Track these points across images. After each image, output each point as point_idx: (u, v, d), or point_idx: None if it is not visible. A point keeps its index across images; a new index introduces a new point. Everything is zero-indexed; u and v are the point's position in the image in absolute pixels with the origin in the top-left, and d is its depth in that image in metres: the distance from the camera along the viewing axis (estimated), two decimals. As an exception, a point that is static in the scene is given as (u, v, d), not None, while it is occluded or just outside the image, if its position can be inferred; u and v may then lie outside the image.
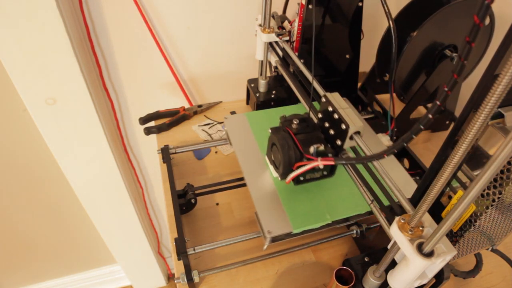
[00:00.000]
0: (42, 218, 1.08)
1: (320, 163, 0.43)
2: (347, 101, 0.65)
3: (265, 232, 0.47)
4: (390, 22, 0.59)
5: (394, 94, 0.78)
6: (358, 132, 0.45)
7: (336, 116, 0.46)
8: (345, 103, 0.47)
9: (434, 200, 0.31)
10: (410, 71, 0.69)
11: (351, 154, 0.48)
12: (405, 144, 0.34)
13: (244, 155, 0.59)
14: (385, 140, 0.67)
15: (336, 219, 0.51)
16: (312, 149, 0.45)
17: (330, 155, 0.46)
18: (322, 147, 0.46)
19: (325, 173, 0.50)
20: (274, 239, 0.48)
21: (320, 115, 0.50)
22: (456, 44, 0.67)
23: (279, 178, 0.49)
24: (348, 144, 0.45)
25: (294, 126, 0.49)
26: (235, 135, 0.63)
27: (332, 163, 0.43)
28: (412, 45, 0.64)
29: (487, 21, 0.67)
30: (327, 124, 0.49)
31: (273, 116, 0.68)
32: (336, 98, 0.48)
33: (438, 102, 0.27)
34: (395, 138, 0.73)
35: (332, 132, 0.47)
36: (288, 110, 0.71)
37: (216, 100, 0.88)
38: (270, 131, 0.50)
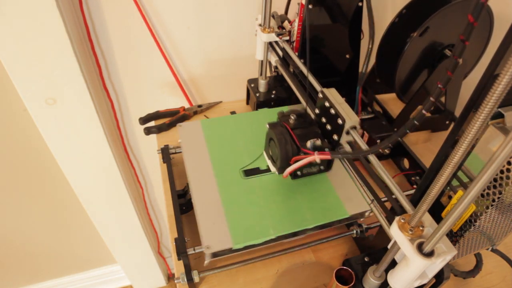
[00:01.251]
0: (42, 218, 1.08)
1: (317, 157, 0.43)
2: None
3: (204, 247, 0.46)
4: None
5: (393, 94, 0.78)
6: (354, 127, 0.45)
7: (332, 111, 0.46)
8: (341, 98, 0.47)
9: (434, 200, 0.31)
10: (410, 71, 0.69)
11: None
12: (399, 139, 0.34)
13: (192, 165, 0.58)
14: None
15: (281, 234, 0.49)
16: (309, 144, 0.46)
17: (327, 149, 0.46)
18: (319, 142, 0.46)
19: (322, 167, 0.50)
20: (214, 255, 0.47)
21: (317, 111, 0.50)
22: (456, 43, 0.67)
23: (277, 172, 0.49)
24: (344, 138, 0.46)
25: (291, 121, 0.49)
26: (187, 143, 0.62)
27: (329, 157, 0.44)
28: (413, 45, 0.64)
29: (486, 20, 0.67)
30: (324, 119, 0.49)
31: (231, 123, 0.67)
32: (332, 94, 0.48)
33: (432, 99, 0.27)
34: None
35: (329, 127, 0.48)
36: (246, 116, 0.70)
37: (216, 100, 0.88)
38: (267, 126, 0.50)
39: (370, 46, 0.59)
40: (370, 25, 0.58)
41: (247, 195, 0.54)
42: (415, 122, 0.31)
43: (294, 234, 0.51)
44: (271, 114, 0.70)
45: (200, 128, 0.65)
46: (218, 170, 0.57)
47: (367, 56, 0.61)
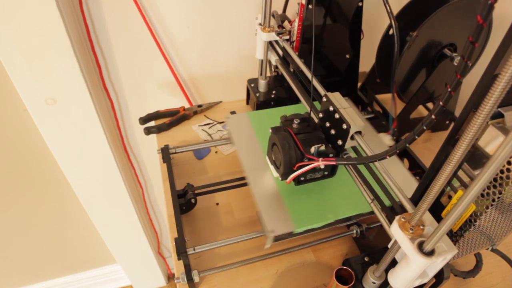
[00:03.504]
0: (42, 218, 1.08)
1: (321, 163, 0.43)
2: (349, 101, 0.65)
3: (268, 231, 0.47)
4: (393, 21, 0.59)
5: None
6: (359, 132, 0.45)
7: (337, 115, 0.46)
8: (346, 102, 0.47)
9: (435, 200, 0.31)
10: (409, 71, 0.69)
11: (352, 154, 0.48)
12: (407, 145, 0.34)
13: (246, 155, 0.59)
14: (387, 140, 0.67)
15: (338, 218, 0.51)
16: (313, 149, 0.45)
17: (331, 155, 0.46)
18: (323, 147, 0.46)
19: (326, 173, 0.50)
20: (277, 238, 0.48)
21: (321, 115, 0.50)
22: (454, 42, 0.67)
23: (280, 178, 0.49)
24: (349, 144, 0.45)
25: (294, 126, 0.48)
26: (237, 134, 0.63)
27: (333, 163, 0.43)
28: (412, 45, 0.64)
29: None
30: (328, 124, 0.48)
31: (275, 115, 0.68)
32: (337, 98, 0.48)
33: (441, 103, 0.27)
34: (395, 138, 0.73)
35: (333, 132, 0.47)
36: (289, 110, 0.71)
37: (216, 100, 0.89)
38: (270, 130, 0.50)
39: (394, 32, 0.58)
40: (388, 12, 0.58)
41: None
42: (424, 127, 0.31)
43: (348, 219, 0.52)
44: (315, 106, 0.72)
45: (248, 120, 0.67)
46: None
47: (397, 43, 0.59)
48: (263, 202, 0.52)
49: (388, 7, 0.58)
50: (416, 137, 0.33)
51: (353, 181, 0.51)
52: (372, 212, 0.53)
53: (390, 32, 0.63)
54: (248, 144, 0.62)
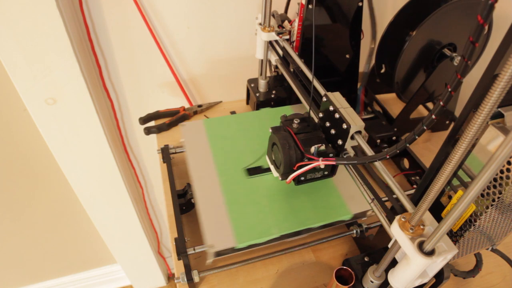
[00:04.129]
0: (42, 218, 1.08)
1: (321, 163, 0.43)
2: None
3: (208, 246, 0.46)
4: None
5: (393, 94, 0.78)
6: (359, 132, 0.45)
7: (337, 115, 0.46)
8: (346, 102, 0.47)
9: (435, 200, 0.31)
10: (408, 70, 0.69)
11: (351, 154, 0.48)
12: (407, 145, 0.34)
13: (195, 164, 0.58)
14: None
15: (284, 233, 0.49)
16: (313, 149, 0.45)
17: (331, 155, 0.46)
18: (323, 147, 0.46)
19: (325, 173, 0.50)
20: (218, 254, 0.47)
21: (321, 115, 0.50)
22: (454, 42, 0.67)
23: (280, 178, 0.49)
24: (349, 143, 0.45)
25: (294, 125, 0.48)
26: (190, 143, 0.62)
27: (333, 163, 0.43)
28: (411, 44, 0.64)
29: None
30: (328, 124, 0.48)
31: (233, 123, 0.67)
32: (337, 98, 0.48)
33: (441, 103, 0.27)
34: (391, 139, 0.73)
35: (333, 131, 0.47)
36: (250, 116, 0.70)
37: (216, 100, 0.88)
38: (270, 130, 0.49)
39: (372, 46, 0.59)
40: (372, 24, 0.58)
41: (250, 194, 0.54)
42: (424, 127, 0.31)
43: (297, 233, 0.51)
44: (273, 114, 0.70)
45: (203, 128, 0.65)
46: (221, 169, 0.57)
47: (369, 55, 0.61)
48: (207, 215, 0.50)
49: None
50: (416, 137, 0.33)
51: (307, 191, 0.50)
52: (323, 226, 0.52)
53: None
54: (199, 152, 0.60)
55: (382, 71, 0.72)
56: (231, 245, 0.47)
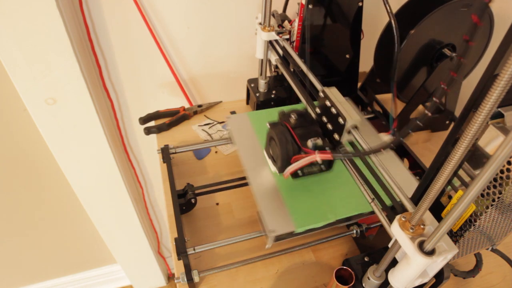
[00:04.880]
0: (42, 218, 1.08)
1: (317, 157, 0.43)
2: (349, 100, 0.65)
3: (268, 231, 0.47)
4: (392, 20, 0.59)
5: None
6: (356, 126, 0.45)
7: (334, 110, 0.46)
8: (342, 97, 0.47)
9: (435, 199, 0.31)
10: (407, 70, 0.69)
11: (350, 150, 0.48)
12: (402, 139, 0.34)
13: (246, 154, 0.59)
14: (387, 139, 0.68)
15: (339, 218, 0.51)
16: (310, 143, 0.45)
17: (327, 149, 0.46)
18: (320, 141, 0.46)
19: (323, 167, 0.50)
20: (277, 238, 0.48)
21: (318, 110, 0.50)
22: (454, 43, 0.67)
23: (277, 172, 0.49)
24: (346, 138, 0.45)
25: (292, 120, 0.49)
26: (237, 134, 0.63)
27: (330, 157, 0.43)
28: (410, 43, 0.64)
29: (486, 20, 0.67)
30: (325, 119, 0.49)
31: (275, 115, 0.68)
32: (333, 93, 0.48)
33: (435, 99, 0.27)
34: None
35: (330, 126, 0.48)
36: (293, 108, 0.71)
37: (216, 100, 0.89)
38: (268, 125, 0.50)
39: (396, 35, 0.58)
40: (389, 15, 0.58)
41: (302, 181, 0.55)
42: (418, 122, 0.31)
43: (349, 218, 0.52)
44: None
45: (248, 120, 0.67)
46: None
47: (397, 46, 0.60)
48: (264, 202, 0.52)
49: (388, 7, 0.58)
50: (410, 131, 0.33)
51: (353, 180, 0.51)
52: (372, 212, 0.53)
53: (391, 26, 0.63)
54: (248, 144, 0.62)
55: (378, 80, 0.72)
56: (290, 229, 0.48)
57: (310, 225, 0.49)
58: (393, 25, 0.58)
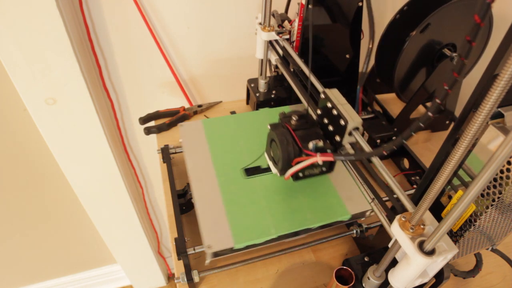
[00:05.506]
0: (42, 218, 1.08)
1: (319, 159, 0.43)
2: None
3: (206, 246, 0.46)
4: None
5: (393, 94, 0.78)
6: (357, 128, 0.45)
7: (335, 112, 0.46)
8: (344, 99, 0.47)
9: (435, 200, 0.31)
10: (408, 70, 0.69)
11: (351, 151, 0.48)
12: (404, 141, 0.34)
13: (193, 165, 0.58)
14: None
15: (282, 233, 0.49)
16: (311, 145, 0.45)
17: (329, 151, 0.46)
18: (321, 143, 0.46)
19: (324, 169, 0.50)
20: (216, 254, 0.47)
21: (319, 111, 0.50)
22: (454, 43, 0.67)
23: (278, 174, 0.49)
24: (347, 140, 0.45)
25: (293, 122, 0.48)
26: (188, 143, 0.62)
27: (331, 159, 0.43)
28: (411, 44, 0.64)
29: (485, 20, 0.67)
30: (326, 120, 0.49)
31: (232, 123, 0.67)
32: (335, 94, 0.48)
33: (438, 101, 0.27)
34: (391, 139, 0.73)
35: (331, 128, 0.48)
36: (249, 116, 0.70)
37: (216, 100, 0.88)
38: (269, 127, 0.50)
39: (370, 46, 0.59)
40: (370, 25, 0.58)
41: (249, 194, 0.54)
42: (421, 124, 0.31)
43: (295, 233, 0.51)
44: (272, 114, 0.70)
45: (202, 128, 0.65)
46: (220, 169, 0.57)
47: (367, 56, 0.61)
48: (205, 216, 0.50)
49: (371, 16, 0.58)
50: (413, 133, 0.32)
51: (307, 192, 0.50)
52: (322, 227, 0.52)
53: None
54: (197, 153, 0.60)
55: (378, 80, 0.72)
56: (229, 246, 0.47)
57: (250, 241, 0.48)
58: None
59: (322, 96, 0.49)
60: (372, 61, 0.77)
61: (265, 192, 0.54)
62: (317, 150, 0.45)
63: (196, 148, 0.61)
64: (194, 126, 0.65)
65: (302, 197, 0.54)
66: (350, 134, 0.45)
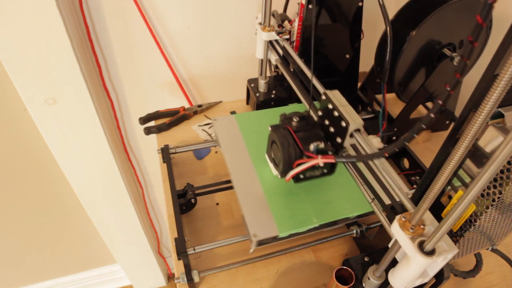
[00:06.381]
0: (42, 218, 1.08)
1: (320, 161, 0.43)
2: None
3: (251, 235, 0.47)
4: (387, 26, 0.59)
5: (393, 94, 0.78)
6: (358, 130, 0.45)
7: (336, 113, 0.46)
8: (345, 100, 0.47)
9: (435, 200, 0.31)
10: (408, 70, 0.69)
11: (352, 152, 0.48)
12: (406, 143, 0.34)
13: (232, 157, 0.59)
14: (375, 142, 0.67)
15: (323, 222, 0.50)
16: (312, 147, 0.45)
17: (330, 153, 0.46)
18: (322, 145, 0.46)
19: (325, 171, 0.50)
20: (260, 243, 0.48)
21: (320, 113, 0.50)
22: (454, 43, 0.67)
23: (279, 176, 0.49)
24: (348, 141, 0.45)
25: (294, 123, 0.48)
26: (224, 137, 0.63)
27: (333, 161, 0.43)
28: (411, 44, 0.64)
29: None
30: (327, 122, 0.49)
31: (263, 117, 0.68)
32: (336, 96, 0.48)
33: (440, 102, 0.27)
34: (391, 139, 0.73)
35: (332, 129, 0.47)
36: (280, 111, 0.70)
37: (216, 100, 0.89)
38: (270, 128, 0.50)
39: (388, 35, 0.59)
40: (384, 15, 0.58)
41: (287, 185, 0.55)
42: (423, 125, 0.31)
43: (334, 223, 0.52)
44: (300, 108, 0.72)
45: (235, 122, 0.66)
46: (257, 161, 0.58)
47: (389, 48, 0.60)
48: (248, 206, 0.51)
49: (384, 10, 0.59)
50: (415, 135, 0.33)
51: (340, 184, 0.50)
52: (359, 216, 0.53)
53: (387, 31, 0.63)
54: (234, 146, 0.61)
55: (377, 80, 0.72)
56: (273, 234, 0.48)
57: (293, 229, 0.48)
58: (388, 30, 0.58)
59: (323, 97, 0.49)
60: (372, 62, 0.77)
61: (302, 183, 0.55)
62: (318, 152, 0.45)
63: (232, 142, 0.62)
64: (227, 120, 0.67)
65: (338, 188, 0.55)
66: (351, 135, 0.45)
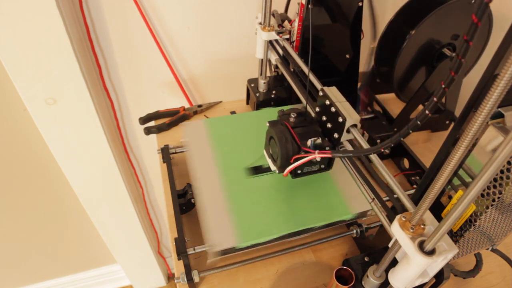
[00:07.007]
0: (42, 218, 1.08)
1: (317, 155, 0.43)
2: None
3: (209, 246, 0.46)
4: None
5: (393, 94, 0.78)
6: (355, 125, 0.45)
7: (333, 109, 0.46)
8: (342, 96, 0.47)
9: (435, 199, 0.31)
10: (408, 70, 0.69)
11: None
12: (401, 139, 0.34)
13: (196, 164, 0.58)
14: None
15: (284, 233, 0.50)
16: (309, 142, 0.45)
17: (327, 148, 0.46)
18: (319, 140, 0.46)
19: (322, 166, 0.50)
20: (218, 253, 0.47)
21: (317, 109, 0.50)
22: (454, 42, 0.67)
23: (277, 171, 0.49)
24: (345, 137, 0.45)
25: (291, 119, 0.49)
26: (191, 142, 0.62)
27: (329, 155, 0.44)
28: (410, 43, 0.64)
29: (485, 20, 0.67)
30: (324, 118, 0.49)
31: (232, 123, 0.67)
32: (333, 92, 0.48)
33: (435, 99, 0.27)
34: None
35: (329, 125, 0.48)
36: (251, 115, 0.70)
37: (216, 100, 0.89)
38: (268, 124, 0.50)
39: (372, 46, 0.59)
40: (372, 24, 0.59)
41: (251, 193, 0.54)
42: (418, 122, 0.31)
43: (297, 233, 0.51)
44: (273, 114, 0.71)
45: (204, 127, 0.65)
46: (222, 169, 0.58)
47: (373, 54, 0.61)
48: (207, 215, 0.50)
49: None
50: (410, 131, 0.33)
51: (312, 191, 0.50)
52: (324, 226, 0.52)
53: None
54: (200, 152, 0.60)
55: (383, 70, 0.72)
56: (232, 245, 0.47)
57: (253, 240, 0.48)
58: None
59: (321, 93, 0.49)
60: (373, 61, 0.77)
61: (267, 191, 0.54)
62: (316, 147, 0.46)
63: (198, 148, 0.61)
64: (196, 126, 0.66)
65: (304, 197, 0.54)
66: (348, 131, 0.45)
